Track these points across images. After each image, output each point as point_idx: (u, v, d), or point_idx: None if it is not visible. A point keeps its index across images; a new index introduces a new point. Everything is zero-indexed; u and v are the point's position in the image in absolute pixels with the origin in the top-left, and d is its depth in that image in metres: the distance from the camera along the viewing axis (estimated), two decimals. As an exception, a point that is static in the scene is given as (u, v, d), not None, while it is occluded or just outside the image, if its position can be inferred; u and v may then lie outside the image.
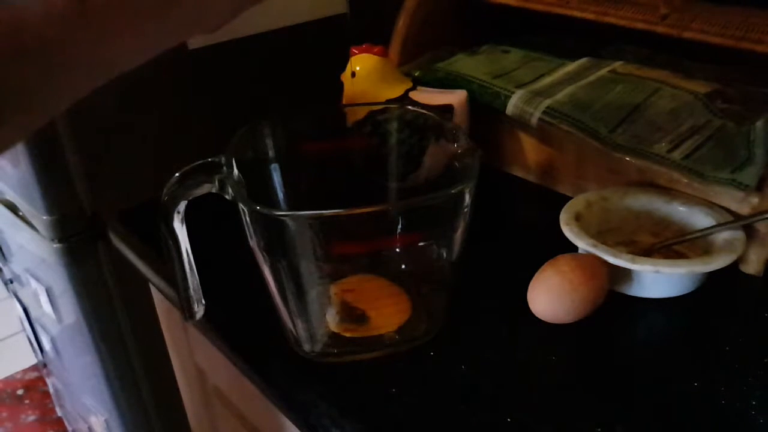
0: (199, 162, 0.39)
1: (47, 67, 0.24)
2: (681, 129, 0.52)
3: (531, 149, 0.61)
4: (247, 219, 0.38)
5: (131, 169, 0.70)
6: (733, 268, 0.47)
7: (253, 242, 0.39)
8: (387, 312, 0.44)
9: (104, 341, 0.77)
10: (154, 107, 0.70)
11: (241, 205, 0.37)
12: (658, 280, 0.46)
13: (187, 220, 0.40)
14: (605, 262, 0.44)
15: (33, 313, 1.03)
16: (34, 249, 0.77)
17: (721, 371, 0.40)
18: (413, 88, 0.59)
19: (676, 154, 0.50)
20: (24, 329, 1.13)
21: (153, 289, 0.67)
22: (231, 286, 0.49)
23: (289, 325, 0.42)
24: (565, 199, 0.52)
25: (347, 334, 0.43)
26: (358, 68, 0.58)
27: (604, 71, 0.61)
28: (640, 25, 0.53)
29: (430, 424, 0.38)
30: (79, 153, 0.66)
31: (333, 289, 0.43)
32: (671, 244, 0.49)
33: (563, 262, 0.43)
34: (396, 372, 0.41)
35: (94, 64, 0.26)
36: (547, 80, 0.60)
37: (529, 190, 0.61)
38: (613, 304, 0.45)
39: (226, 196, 0.39)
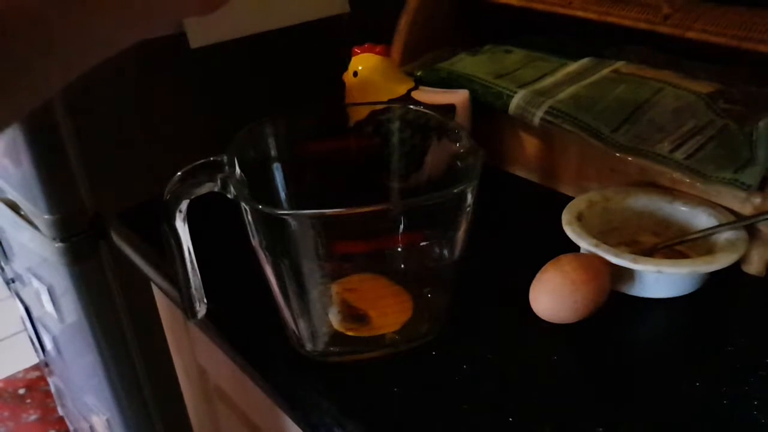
0: (202, 161, 0.39)
1: (37, 46, 0.24)
2: (683, 129, 0.52)
3: (533, 149, 0.61)
4: (249, 218, 0.38)
5: (133, 168, 0.70)
6: (736, 268, 0.47)
7: (255, 241, 0.39)
8: (388, 312, 0.44)
9: (106, 340, 0.78)
10: (156, 106, 0.70)
11: (243, 204, 0.37)
12: (660, 280, 0.45)
13: (189, 220, 0.41)
14: (607, 262, 0.44)
15: (35, 313, 1.03)
16: (35, 248, 0.77)
17: (724, 372, 0.40)
18: (415, 88, 0.59)
19: (679, 154, 0.50)
20: (25, 328, 1.13)
21: (155, 289, 0.67)
22: (233, 286, 0.49)
23: (291, 324, 0.42)
24: (567, 199, 0.52)
25: (349, 333, 0.43)
26: (360, 68, 0.58)
27: (606, 71, 0.61)
28: (642, 25, 0.53)
29: (431, 423, 0.38)
30: (81, 152, 0.66)
31: (334, 289, 0.43)
32: (673, 244, 0.49)
33: (565, 261, 0.43)
34: (398, 371, 0.41)
35: (84, 42, 0.26)
36: (550, 80, 0.60)
37: (530, 190, 0.61)
38: (615, 304, 0.45)
39: (228, 195, 0.39)
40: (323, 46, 0.73)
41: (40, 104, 0.26)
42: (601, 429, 0.37)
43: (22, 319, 1.11)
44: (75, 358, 0.92)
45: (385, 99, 0.58)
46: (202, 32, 0.66)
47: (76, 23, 0.24)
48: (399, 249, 0.40)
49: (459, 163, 0.42)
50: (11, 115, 0.26)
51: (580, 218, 0.49)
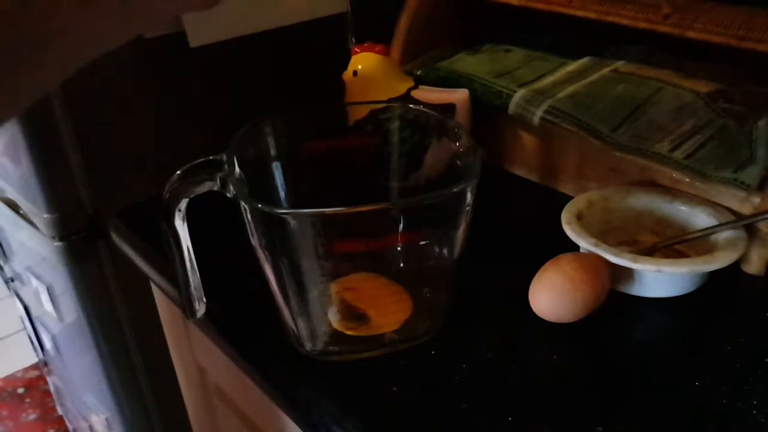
0: (201, 160, 0.39)
1: (35, 38, 0.23)
2: (683, 128, 0.52)
3: (532, 148, 0.61)
4: (249, 217, 0.38)
5: (132, 167, 0.70)
6: (735, 267, 0.47)
7: (254, 240, 0.39)
8: (387, 311, 0.44)
9: (105, 340, 0.77)
10: (155, 105, 0.70)
11: (242, 203, 0.37)
12: (659, 279, 0.45)
13: (189, 219, 0.40)
14: (607, 262, 0.44)
15: (34, 312, 1.03)
16: (34, 247, 0.77)
17: (723, 371, 0.40)
18: (415, 87, 0.59)
19: (678, 154, 0.50)
20: (25, 328, 1.13)
21: (154, 288, 0.67)
22: (232, 285, 0.49)
23: (291, 323, 0.42)
24: (567, 198, 0.52)
25: (349, 333, 0.43)
26: (359, 67, 0.58)
27: (606, 71, 0.61)
28: (642, 25, 0.53)
29: (430, 423, 0.38)
30: (81, 151, 0.66)
31: (334, 288, 0.43)
32: (673, 243, 0.49)
33: (565, 261, 0.43)
34: (397, 371, 0.41)
35: (83, 35, 0.25)
36: (549, 79, 0.60)
37: (530, 190, 0.61)
38: (614, 303, 0.45)
39: (228, 194, 0.39)
40: (323, 45, 0.73)
41: (39, 99, 0.26)
42: (600, 429, 0.37)
43: (21, 318, 1.11)
44: (74, 357, 0.92)
45: (385, 98, 0.57)
46: (201, 31, 0.66)
47: (75, 16, 0.24)
48: (398, 248, 0.40)
49: (458, 162, 0.42)
50: (8, 110, 0.25)
51: (579, 217, 0.49)
